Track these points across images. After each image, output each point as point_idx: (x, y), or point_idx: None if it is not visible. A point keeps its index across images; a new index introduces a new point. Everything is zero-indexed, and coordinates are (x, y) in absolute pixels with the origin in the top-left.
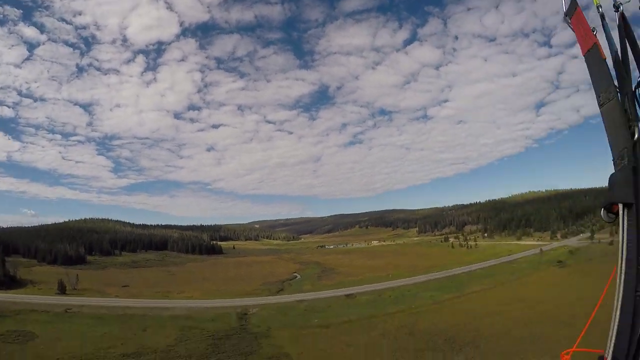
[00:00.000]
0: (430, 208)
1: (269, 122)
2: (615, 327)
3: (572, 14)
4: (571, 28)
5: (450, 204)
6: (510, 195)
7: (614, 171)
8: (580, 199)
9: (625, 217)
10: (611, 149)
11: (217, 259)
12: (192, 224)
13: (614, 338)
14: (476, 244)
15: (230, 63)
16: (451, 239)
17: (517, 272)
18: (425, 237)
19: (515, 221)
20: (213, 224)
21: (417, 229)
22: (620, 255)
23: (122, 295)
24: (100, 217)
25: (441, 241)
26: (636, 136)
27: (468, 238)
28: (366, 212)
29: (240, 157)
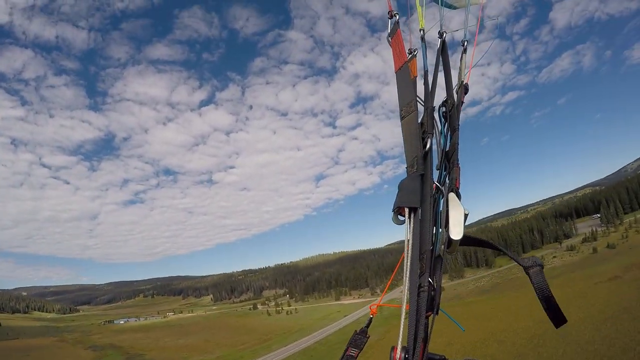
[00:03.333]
0: (219, 274)
1: (44, 165)
2: (402, 321)
3: (393, 35)
4: (390, 47)
5: (238, 269)
6: (301, 258)
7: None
8: (373, 256)
9: (412, 220)
10: (405, 158)
11: None
12: None
13: (401, 330)
14: (295, 308)
15: (14, 84)
16: (260, 306)
17: (371, 332)
18: (223, 304)
19: (323, 283)
20: None
21: (211, 296)
22: (406, 253)
23: None
24: None
25: (250, 309)
26: (427, 146)
27: (279, 303)
28: (149, 279)
29: (6, 205)
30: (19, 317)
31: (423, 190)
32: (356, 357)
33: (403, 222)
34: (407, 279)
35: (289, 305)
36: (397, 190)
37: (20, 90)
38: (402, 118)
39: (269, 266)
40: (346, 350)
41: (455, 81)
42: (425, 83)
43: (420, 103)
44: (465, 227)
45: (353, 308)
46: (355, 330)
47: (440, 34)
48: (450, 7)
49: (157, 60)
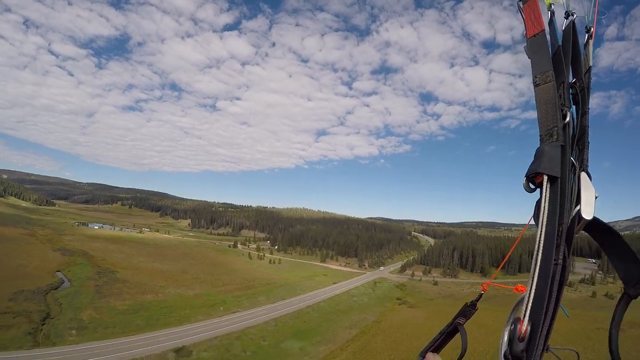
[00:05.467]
0: (199, 200)
1: (52, 52)
2: (532, 293)
3: (527, 0)
4: (521, 12)
5: (219, 201)
6: (283, 207)
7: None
8: (357, 225)
9: (548, 189)
10: (540, 125)
11: None
12: None
13: (530, 303)
14: (279, 259)
15: None
16: (240, 245)
17: (367, 310)
18: (200, 232)
19: (309, 239)
20: None
21: (189, 221)
22: (539, 226)
23: None
24: None
25: (229, 246)
26: (567, 119)
27: (260, 247)
28: (129, 189)
29: (6, 84)
30: None
31: (563, 160)
32: (463, 325)
33: (534, 189)
34: (541, 250)
35: (271, 254)
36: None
37: None
38: (536, 85)
39: (250, 205)
40: (455, 318)
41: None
42: (558, 57)
43: (554, 75)
44: None
45: (341, 276)
46: (466, 303)
47: (567, 14)
48: None
49: None
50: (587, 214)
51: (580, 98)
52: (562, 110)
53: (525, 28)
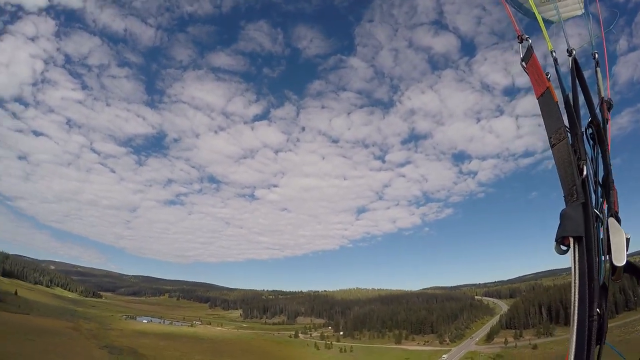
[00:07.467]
0: (248, 289)
1: (94, 150)
2: (573, 348)
3: (528, 60)
4: (526, 73)
5: (267, 289)
6: (336, 289)
7: (565, 207)
8: (417, 298)
9: (577, 250)
10: (561, 186)
11: None
12: None
13: (572, 357)
14: (351, 346)
15: (78, 67)
16: (301, 335)
17: None
18: (254, 323)
19: (376, 320)
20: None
21: (241, 312)
22: (573, 285)
23: None
24: None
25: (290, 336)
26: (584, 173)
27: (324, 335)
28: (176, 280)
29: (52, 180)
30: (40, 289)
31: (586, 218)
32: None
33: (565, 251)
34: (577, 308)
35: (338, 341)
36: (558, 220)
37: (82, 74)
38: (552, 146)
39: (301, 291)
40: None
41: (596, 99)
42: (568, 107)
43: (567, 129)
44: (628, 254)
45: (426, 357)
46: None
47: (569, 52)
48: (564, 19)
49: (218, 69)
50: (619, 260)
51: (597, 136)
52: (578, 165)
53: (534, 89)
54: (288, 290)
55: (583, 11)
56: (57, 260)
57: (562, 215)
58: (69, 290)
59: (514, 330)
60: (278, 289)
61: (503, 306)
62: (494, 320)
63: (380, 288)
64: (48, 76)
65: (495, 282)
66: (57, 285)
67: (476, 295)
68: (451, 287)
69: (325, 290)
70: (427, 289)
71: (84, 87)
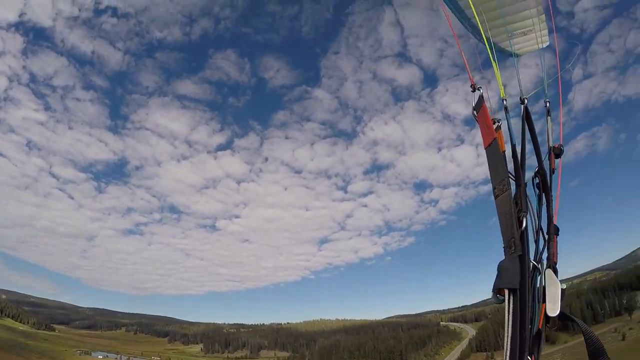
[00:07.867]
0: (208, 323)
1: (53, 175)
2: None
3: (479, 109)
4: (477, 122)
5: (228, 322)
6: (300, 321)
7: (503, 259)
8: (382, 327)
9: (511, 301)
10: (502, 237)
11: None
12: None
13: None
14: None
15: (42, 87)
16: None
17: None
18: (215, 358)
19: (343, 351)
20: None
21: (202, 346)
22: (505, 334)
23: None
24: None
25: None
26: (523, 225)
27: None
28: (133, 314)
29: (8, 204)
30: None
31: (522, 271)
32: None
33: (502, 301)
34: (508, 357)
35: None
36: (495, 272)
37: (47, 95)
38: (495, 197)
39: (263, 323)
40: None
41: (545, 147)
42: (514, 157)
43: (511, 179)
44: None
45: None
46: None
47: (522, 100)
48: (516, 55)
49: (184, 96)
50: (552, 311)
51: (543, 186)
52: (518, 217)
53: (482, 139)
54: (250, 323)
55: (542, 46)
56: (9, 290)
57: (500, 267)
58: (20, 322)
59: (485, 353)
60: (240, 322)
61: (470, 330)
62: (463, 344)
63: (344, 318)
64: (11, 94)
65: (459, 307)
66: (8, 316)
67: (442, 321)
68: (416, 314)
69: (288, 322)
70: (392, 317)
71: (47, 108)
